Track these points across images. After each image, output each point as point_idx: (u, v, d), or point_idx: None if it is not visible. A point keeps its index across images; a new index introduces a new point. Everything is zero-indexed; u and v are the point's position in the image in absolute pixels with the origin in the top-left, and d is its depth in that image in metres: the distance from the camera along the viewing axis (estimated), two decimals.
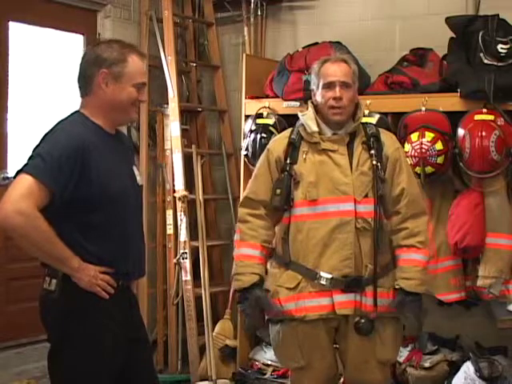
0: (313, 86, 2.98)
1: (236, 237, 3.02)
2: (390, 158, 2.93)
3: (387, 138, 3.01)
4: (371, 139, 2.94)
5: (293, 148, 2.95)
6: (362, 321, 2.86)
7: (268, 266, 3.04)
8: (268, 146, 3.07)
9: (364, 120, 3.07)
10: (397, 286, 2.89)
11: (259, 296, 2.88)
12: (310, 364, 2.94)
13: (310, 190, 2.88)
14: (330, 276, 2.86)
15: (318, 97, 2.93)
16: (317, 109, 2.97)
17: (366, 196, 2.88)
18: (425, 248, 2.94)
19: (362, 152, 2.93)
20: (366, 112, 3.66)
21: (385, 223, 2.94)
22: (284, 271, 2.94)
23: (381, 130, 3.05)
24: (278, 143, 3.02)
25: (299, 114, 3.02)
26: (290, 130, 3.06)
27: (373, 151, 2.91)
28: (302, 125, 2.97)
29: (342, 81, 2.88)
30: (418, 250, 2.91)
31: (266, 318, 3.03)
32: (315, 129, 2.93)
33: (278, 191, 2.90)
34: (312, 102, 3.00)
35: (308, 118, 2.95)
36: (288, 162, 2.93)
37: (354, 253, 2.86)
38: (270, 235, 2.97)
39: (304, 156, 2.93)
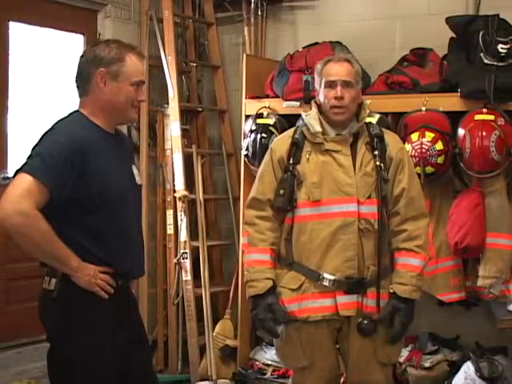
0: (316, 86, 2.98)
1: (244, 240, 3.01)
2: (394, 159, 2.93)
3: (391, 139, 3.00)
4: (375, 140, 2.93)
5: (296, 148, 2.94)
6: (365, 322, 2.86)
7: None
8: (271, 146, 3.06)
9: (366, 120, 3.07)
10: (391, 291, 2.88)
11: (271, 303, 2.87)
12: (313, 364, 2.94)
13: (313, 190, 2.87)
14: (332, 277, 2.85)
15: (321, 96, 2.93)
16: (320, 109, 2.96)
17: (369, 197, 2.87)
18: (423, 252, 2.91)
19: (365, 153, 2.92)
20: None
21: (387, 224, 2.94)
22: (287, 272, 2.93)
23: (385, 130, 3.04)
24: (281, 143, 3.01)
25: (303, 114, 3.01)
26: (293, 129, 3.05)
27: (376, 152, 2.90)
28: (306, 125, 2.96)
29: (343, 80, 2.87)
30: (415, 254, 2.89)
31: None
32: (318, 129, 2.92)
33: (282, 191, 2.90)
34: (315, 102, 3.00)
35: (311, 118, 2.95)
36: (291, 161, 2.92)
37: (357, 254, 2.86)
38: (277, 237, 2.95)
39: (307, 156, 2.92)
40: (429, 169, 3.72)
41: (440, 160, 3.73)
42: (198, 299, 4.49)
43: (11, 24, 4.25)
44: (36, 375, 4.07)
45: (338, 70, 2.90)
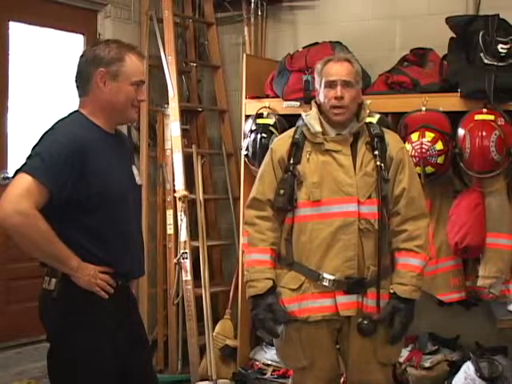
0: (316, 86, 2.98)
1: (244, 240, 3.01)
2: (395, 159, 2.92)
3: (391, 139, 3.00)
4: (375, 139, 2.93)
5: (296, 148, 2.94)
6: (365, 322, 2.85)
7: None
8: (271, 146, 3.06)
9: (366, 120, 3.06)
10: (391, 291, 2.88)
11: (271, 303, 2.87)
12: (313, 364, 2.94)
13: (314, 190, 2.87)
14: (332, 277, 2.85)
15: (321, 96, 2.93)
16: (320, 109, 2.96)
17: (370, 197, 2.87)
18: (423, 252, 2.92)
19: (365, 152, 2.92)
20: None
21: (387, 224, 2.93)
22: (287, 272, 2.93)
23: (385, 130, 3.04)
24: (282, 143, 3.01)
25: (303, 114, 3.01)
26: (293, 129, 3.05)
27: (377, 152, 2.90)
28: (306, 125, 2.96)
29: (343, 80, 2.87)
30: (416, 254, 2.90)
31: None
32: (318, 129, 2.92)
33: (282, 191, 2.90)
34: (315, 102, 3.00)
35: (311, 118, 2.94)
36: (291, 162, 2.92)
37: (357, 254, 2.85)
38: (277, 237, 2.96)
39: (307, 156, 2.92)
40: (429, 169, 3.72)
41: (440, 160, 3.73)
42: (198, 299, 4.49)
43: (11, 24, 4.26)
44: (36, 375, 4.06)
45: (337, 70, 2.90)
